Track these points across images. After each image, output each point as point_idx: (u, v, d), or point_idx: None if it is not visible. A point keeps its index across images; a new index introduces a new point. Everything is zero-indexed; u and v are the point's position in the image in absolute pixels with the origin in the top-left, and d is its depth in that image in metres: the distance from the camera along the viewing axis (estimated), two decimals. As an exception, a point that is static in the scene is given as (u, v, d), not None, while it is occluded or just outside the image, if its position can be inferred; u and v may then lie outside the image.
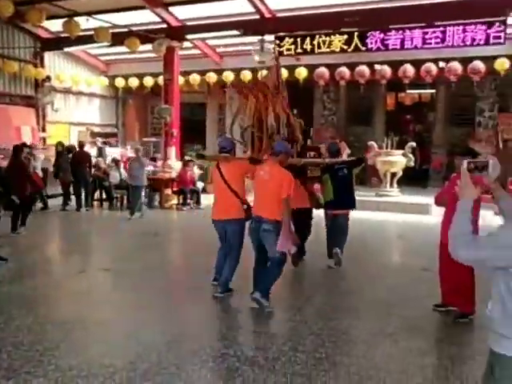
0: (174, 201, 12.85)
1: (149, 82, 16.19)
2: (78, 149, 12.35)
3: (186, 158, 13.90)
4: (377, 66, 13.43)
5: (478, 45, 10.38)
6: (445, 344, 4.47)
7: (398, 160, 12.23)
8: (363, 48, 11.30)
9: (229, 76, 14.95)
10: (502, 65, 11.92)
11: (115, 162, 13.03)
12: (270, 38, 12.03)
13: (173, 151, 13.30)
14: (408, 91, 16.81)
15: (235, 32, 12.15)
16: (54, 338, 4.34)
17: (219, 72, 15.20)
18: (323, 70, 13.67)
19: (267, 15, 11.90)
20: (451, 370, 3.86)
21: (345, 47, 11.43)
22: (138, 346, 4.16)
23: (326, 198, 6.83)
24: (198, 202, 12.54)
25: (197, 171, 13.59)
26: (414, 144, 12.85)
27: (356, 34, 11.23)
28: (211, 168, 6.56)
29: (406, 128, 18.04)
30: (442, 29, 10.60)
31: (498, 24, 9.95)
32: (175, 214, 12.35)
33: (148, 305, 5.28)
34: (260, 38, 11.84)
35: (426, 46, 10.84)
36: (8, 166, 9.06)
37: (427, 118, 17.41)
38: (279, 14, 12.05)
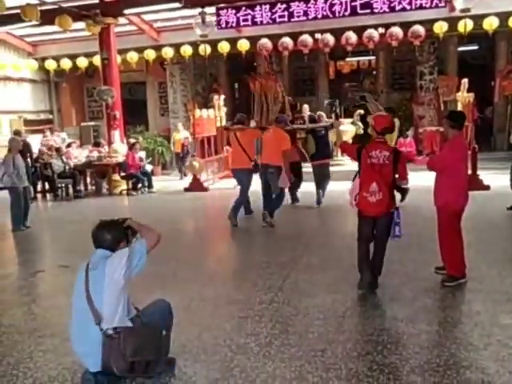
0: (123, 186, 12.32)
1: (83, 62, 15.31)
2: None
3: (132, 140, 13.35)
4: (317, 35, 13.32)
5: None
6: (432, 309, 4.49)
7: (349, 129, 12.26)
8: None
9: (168, 52, 14.39)
10: (440, 28, 12.13)
11: (56, 149, 12.30)
12: (211, 10, 11.59)
13: (117, 135, 12.68)
14: (347, 59, 16.91)
15: (173, 5, 11.60)
16: (24, 348, 3.98)
17: (157, 48, 14.58)
18: (265, 41, 13.39)
19: (207, -14, 11.40)
20: (445, 336, 3.87)
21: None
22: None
23: (310, 152, 9.04)
24: (150, 185, 12.06)
25: (143, 154, 13.09)
26: (362, 111, 12.93)
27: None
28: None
29: (345, 96, 18.21)
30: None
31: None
32: (126, 199, 11.83)
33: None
34: (200, 10, 11.34)
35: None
36: None
37: (363, 84, 17.65)
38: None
